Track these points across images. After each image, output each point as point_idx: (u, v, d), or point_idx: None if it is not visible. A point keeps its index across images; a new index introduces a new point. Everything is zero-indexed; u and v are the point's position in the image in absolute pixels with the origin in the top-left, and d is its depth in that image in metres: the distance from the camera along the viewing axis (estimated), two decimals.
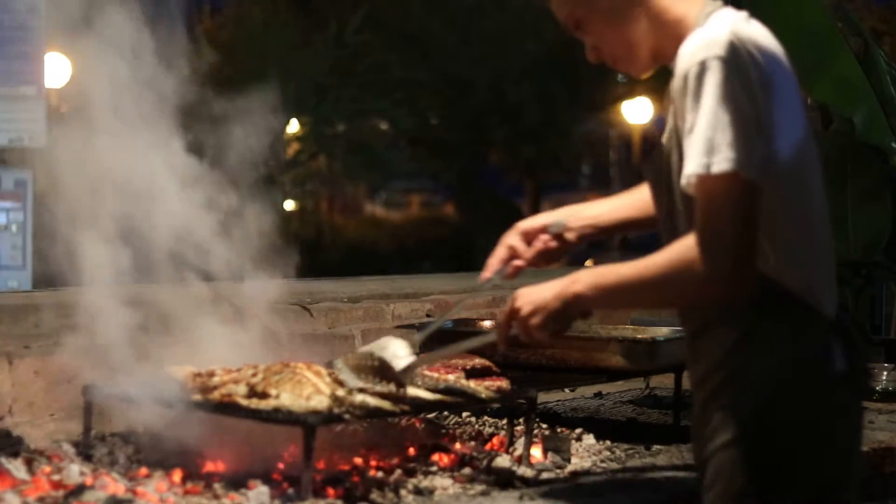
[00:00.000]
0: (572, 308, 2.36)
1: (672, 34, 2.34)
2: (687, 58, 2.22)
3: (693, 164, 2.18)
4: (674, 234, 2.31)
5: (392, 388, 2.75)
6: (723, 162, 2.15)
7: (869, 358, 2.38)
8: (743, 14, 2.31)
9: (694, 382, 2.41)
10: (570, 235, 2.78)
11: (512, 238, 2.79)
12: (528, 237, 2.79)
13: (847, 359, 2.29)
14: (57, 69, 8.08)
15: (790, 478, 2.27)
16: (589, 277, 2.34)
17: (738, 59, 2.18)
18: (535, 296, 2.39)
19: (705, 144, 2.16)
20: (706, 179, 2.17)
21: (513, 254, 2.79)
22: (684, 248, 2.21)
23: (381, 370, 2.74)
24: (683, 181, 2.21)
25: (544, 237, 2.77)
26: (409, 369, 2.78)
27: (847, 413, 2.35)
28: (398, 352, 2.85)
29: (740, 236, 2.17)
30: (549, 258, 2.80)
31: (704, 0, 2.36)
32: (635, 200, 2.75)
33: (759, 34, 2.27)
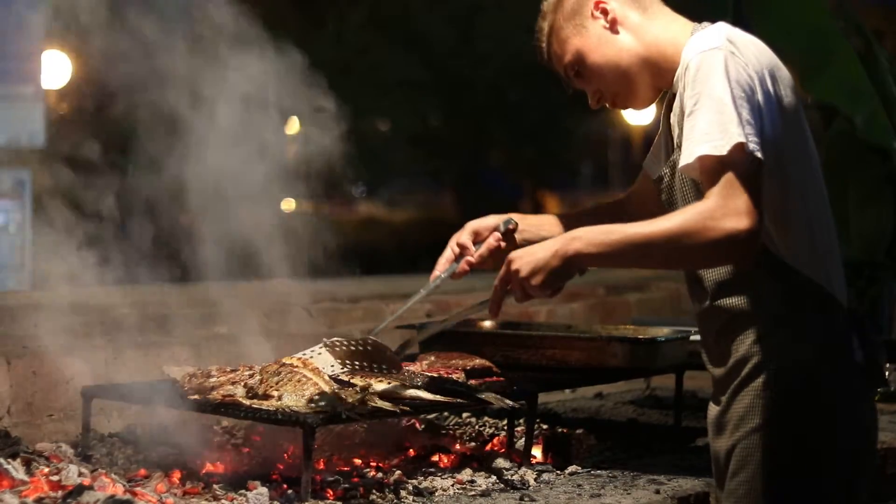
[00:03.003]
0: (572, 266, 2.39)
1: (668, 57, 2.46)
2: (688, 54, 2.36)
3: (706, 147, 2.26)
4: None
5: (388, 381, 2.74)
6: (732, 139, 2.25)
7: (880, 349, 2.44)
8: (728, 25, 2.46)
9: (718, 380, 2.46)
10: (518, 234, 2.84)
11: (462, 237, 2.83)
12: (478, 236, 2.83)
13: (863, 349, 2.38)
14: (56, 69, 8.07)
15: (819, 458, 2.38)
16: (590, 235, 2.37)
17: (735, 51, 2.32)
18: (532, 257, 2.41)
19: (714, 125, 2.26)
20: (716, 157, 2.25)
21: (462, 252, 2.83)
22: (698, 211, 2.27)
23: (375, 353, 2.73)
24: (687, 160, 2.29)
25: (495, 235, 2.81)
26: (404, 347, 2.77)
27: (866, 398, 2.45)
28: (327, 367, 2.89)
29: (754, 203, 2.24)
30: (497, 257, 2.83)
31: (692, 23, 2.50)
32: (585, 223, 2.80)
33: (750, 38, 2.42)
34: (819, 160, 2.48)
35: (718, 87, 2.28)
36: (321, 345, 2.96)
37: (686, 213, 2.30)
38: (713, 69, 2.30)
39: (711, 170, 2.27)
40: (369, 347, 2.72)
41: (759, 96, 2.31)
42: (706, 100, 2.28)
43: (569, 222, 2.88)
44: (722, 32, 2.38)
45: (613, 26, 2.51)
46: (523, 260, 2.41)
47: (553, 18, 2.56)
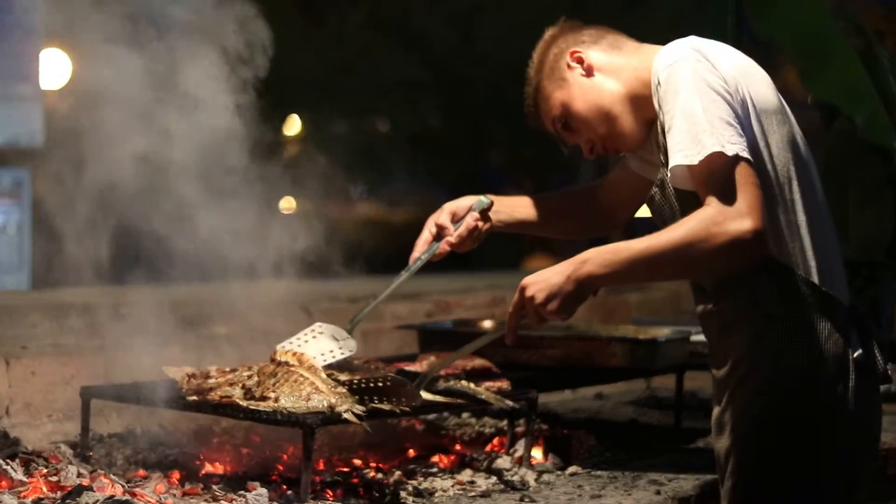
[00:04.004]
0: (586, 288, 2.38)
1: (648, 84, 2.46)
2: (657, 68, 2.39)
3: (679, 157, 2.29)
4: None
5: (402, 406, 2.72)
6: (705, 149, 2.26)
7: (881, 347, 2.43)
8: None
9: (719, 380, 2.46)
10: (493, 215, 2.88)
11: (440, 217, 2.88)
12: (456, 217, 2.88)
13: (863, 347, 2.36)
14: (55, 68, 8.05)
15: (817, 458, 2.37)
16: (600, 257, 2.36)
17: (700, 58, 2.33)
18: (546, 283, 2.39)
19: (688, 136, 2.28)
20: (698, 167, 2.26)
21: (440, 233, 2.87)
22: (700, 218, 2.27)
23: (394, 389, 2.71)
24: (670, 175, 2.32)
25: (473, 215, 2.86)
26: (422, 382, 2.77)
27: (866, 397, 2.43)
28: (336, 334, 2.89)
29: (753, 203, 2.24)
30: (475, 237, 2.87)
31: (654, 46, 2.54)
32: (555, 206, 2.94)
33: (719, 44, 2.43)
34: (813, 158, 2.48)
35: (688, 98, 2.29)
36: (312, 329, 2.96)
37: (688, 222, 2.29)
38: (680, 81, 2.31)
39: (701, 179, 2.28)
40: (388, 383, 2.71)
41: (735, 98, 2.31)
42: (678, 112, 2.30)
43: (542, 204, 2.93)
44: (687, 43, 2.40)
45: (590, 72, 2.55)
46: (537, 286, 2.39)
47: (537, 80, 2.64)
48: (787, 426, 2.38)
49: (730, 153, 2.25)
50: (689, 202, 2.36)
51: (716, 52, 2.38)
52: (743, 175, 2.26)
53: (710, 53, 2.36)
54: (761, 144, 2.35)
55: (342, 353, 2.90)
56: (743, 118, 2.31)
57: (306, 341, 2.93)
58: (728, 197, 2.24)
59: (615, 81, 2.53)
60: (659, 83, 2.36)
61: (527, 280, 2.42)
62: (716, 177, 2.26)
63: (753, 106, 2.36)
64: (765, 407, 2.39)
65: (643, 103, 2.50)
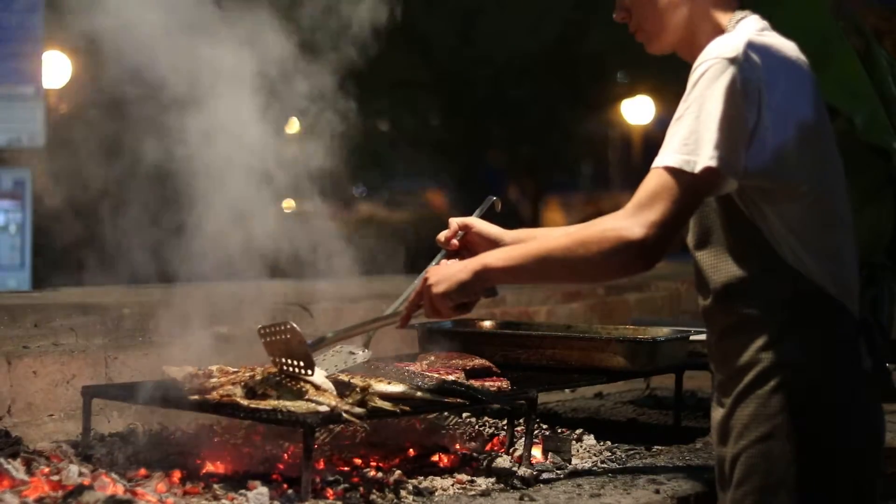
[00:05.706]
0: (480, 279, 2.45)
1: (705, 36, 2.41)
2: (705, 55, 2.30)
3: (672, 157, 2.24)
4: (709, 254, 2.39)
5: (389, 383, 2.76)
6: (704, 161, 2.21)
7: (888, 357, 2.41)
8: (764, 24, 2.42)
9: (720, 382, 2.43)
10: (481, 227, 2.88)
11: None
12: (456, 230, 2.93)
13: (871, 356, 2.36)
14: (56, 69, 8.05)
15: (827, 470, 2.34)
16: (501, 251, 2.46)
17: (742, 65, 2.25)
18: (446, 269, 2.51)
19: (688, 139, 2.23)
20: (681, 172, 2.22)
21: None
22: (602, 219, 2.30)
23: (291, 346, 2.72)
24: (657, 164, 2.26)
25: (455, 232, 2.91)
26: (317, 345, 2.74)
27: (875, 408, 2.41)
28: (353, 350, 2.94)
29: (667, 221, 2.23)
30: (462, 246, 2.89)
31: (736, 8, 2.48)
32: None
33: (774, 43, 2.35)
34: (842, 166, 2.42)
35: (713, 102, 2.23)
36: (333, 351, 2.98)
37: (593, 224, 2.30)
38: (713, 83, 2.24)
39: (666, 179, 2.23)
40: (287, 336, 2.71)
41: (763, 108, 2.25)
42: (696, 109, 2.24)
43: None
44: (742, 38, 2.30)
45: None
46: (436, 271, 2.50)
47: None
48: (798, 436, 2.33)
49: (721, 173, 2.21)
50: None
51: (765, 53, 2.29)
52: (695, 196, 2.24)
53: (759, 54, 2.27)
54: (792, 154, 2.28)
55: (356, 361, 2.96)
56: (771, 127, 2.24)
57: (323, 359, 2.96)
58: (651, 204, 2.22)
59: (691, 14, 2.46)
60: (696, 69, 2.28)
61: (432, 269, 2.52)
62: (673, 183, 2.22)
63: (789, 113, 2.30)
64: (774, 416, 2.33)
65: (685, 38, 2.47)
